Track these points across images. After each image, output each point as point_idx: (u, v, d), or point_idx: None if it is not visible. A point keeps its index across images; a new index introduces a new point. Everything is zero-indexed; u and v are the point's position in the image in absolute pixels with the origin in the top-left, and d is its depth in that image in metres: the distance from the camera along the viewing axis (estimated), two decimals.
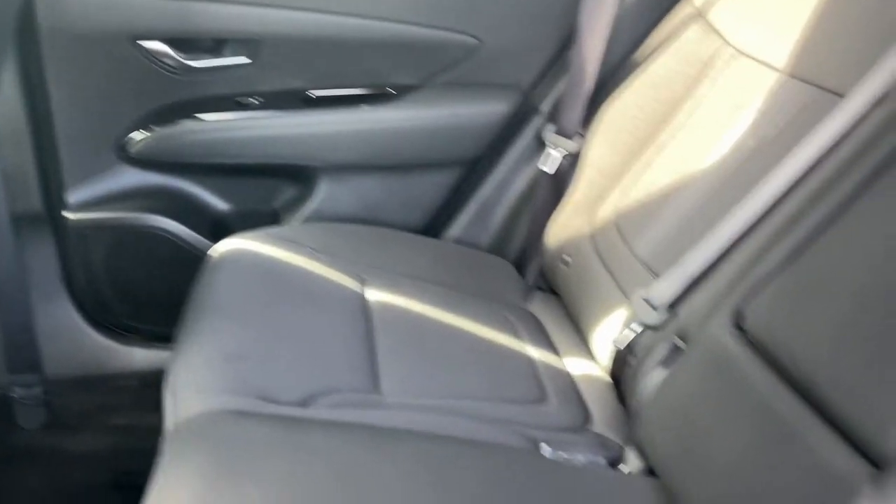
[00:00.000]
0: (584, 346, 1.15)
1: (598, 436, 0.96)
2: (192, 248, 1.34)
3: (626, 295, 1.04)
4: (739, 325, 0.76)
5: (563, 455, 0.89)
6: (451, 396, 0.96)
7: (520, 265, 1.39)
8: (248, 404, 0.82)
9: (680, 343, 0.86)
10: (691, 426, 0.76)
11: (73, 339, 1.40)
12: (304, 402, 0.86)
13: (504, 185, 1.39)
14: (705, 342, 0.80)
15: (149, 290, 1.37)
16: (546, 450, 0.90)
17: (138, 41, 1.20)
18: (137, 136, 1.30)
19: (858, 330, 0.64)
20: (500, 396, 0.99)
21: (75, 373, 1.40)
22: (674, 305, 0.93)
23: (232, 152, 1.34)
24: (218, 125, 1.32)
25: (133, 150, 1.31)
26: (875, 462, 0.57)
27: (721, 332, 0.77)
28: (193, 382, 0.85)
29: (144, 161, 1.34)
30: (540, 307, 1.27)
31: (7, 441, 1.38)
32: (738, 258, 0.86)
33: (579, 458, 0.90)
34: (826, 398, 0.63)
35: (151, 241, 1.35)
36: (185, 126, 1.31)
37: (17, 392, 1.36)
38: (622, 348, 0.98)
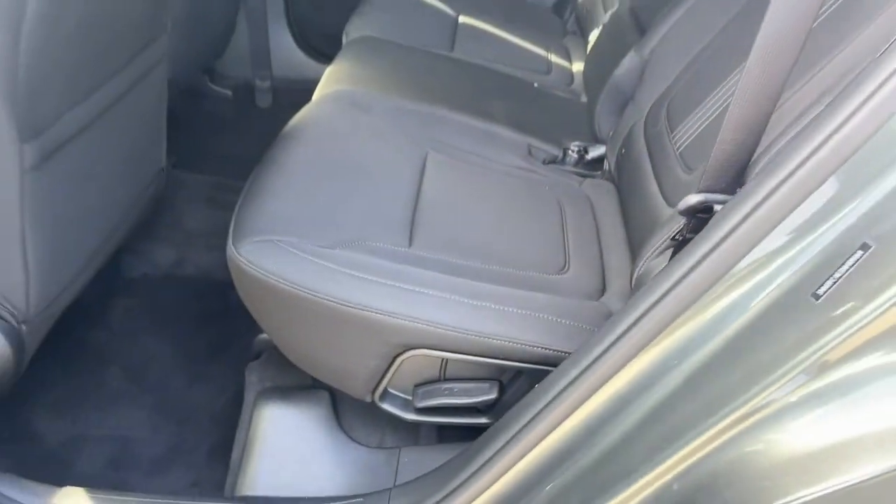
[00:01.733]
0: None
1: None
2: None
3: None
4: None
5: None
6: None
7: None
8: None
9: None
10: None
11: (289, 55, 2.30)
12: None
13: None
14: None
15: (329, 27, 2.18)
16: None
17: None
18: None
19: None
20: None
21: (290, 75, 2.31)
22: None
23: None
24: None
25: None
26: None
27: None
28: None
29: None
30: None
31: (247, 113, 2.33)
32: None
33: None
34: None
35: None
36: None
37: (257, 83, 2.30)
38: None
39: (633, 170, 1.21)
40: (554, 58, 1.86)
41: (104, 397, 1.36)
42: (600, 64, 1.52)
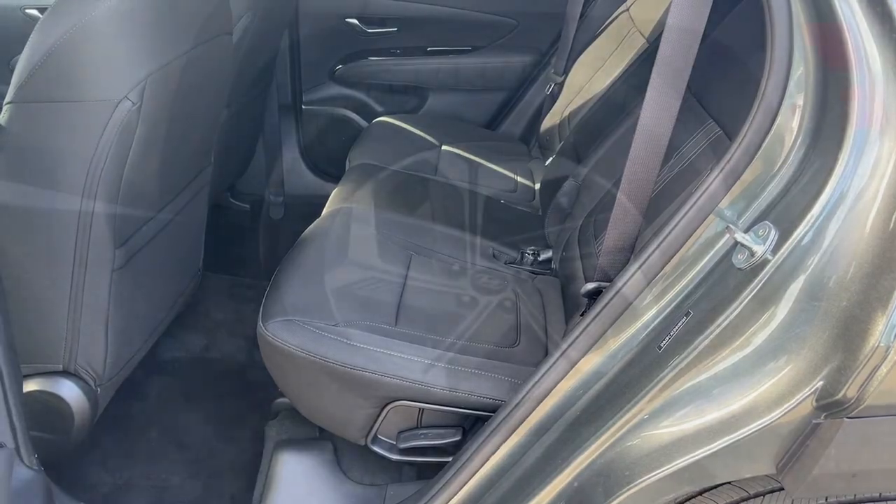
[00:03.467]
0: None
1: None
2: (361, 126, 2.61)
3: None
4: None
5: None
6: None
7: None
8: None
9: None
10: None
11: (300, 176, 2.71)
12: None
13: (528, 101, 2.56)
14: None
15: (334, 153, 2.62)
16: None
17: (345, 19, 2.47)
18: (340, 67, 2.58)
19: None
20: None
21: (300, 192, 2.71)
22: None
23: (385, 77, 2.59)
24: (379, 63, 2.58)
25: (336, 74, 2.59)
26: None
27: None
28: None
29: (341, 81, 2.61)
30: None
31: (262, 224, 2.71)
32: None
33: None
34: None
35: (341, 123, 2.63)
36: (363, 63, 2.57)
37: (271, 198, 2.70)
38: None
39: (570, 269, 1.57)
40: (520, 178, 2.26)
41: (145, 454, 1.65)
42: (549, 186, 1.90)
